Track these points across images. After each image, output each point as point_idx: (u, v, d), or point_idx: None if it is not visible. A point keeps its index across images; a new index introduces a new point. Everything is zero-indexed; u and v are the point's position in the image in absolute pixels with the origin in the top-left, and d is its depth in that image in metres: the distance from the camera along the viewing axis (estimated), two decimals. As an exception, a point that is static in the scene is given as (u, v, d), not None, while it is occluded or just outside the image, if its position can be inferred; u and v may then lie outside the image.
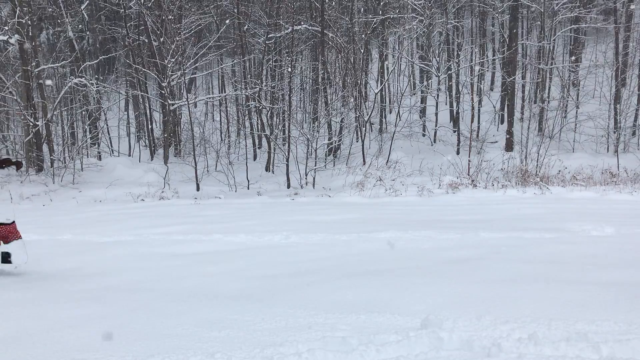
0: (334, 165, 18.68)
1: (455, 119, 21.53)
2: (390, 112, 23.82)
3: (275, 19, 20.49)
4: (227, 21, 23.01)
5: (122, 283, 5.77)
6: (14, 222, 6.32)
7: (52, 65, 20.44)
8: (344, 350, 3.59)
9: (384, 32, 22.47)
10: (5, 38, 18.25)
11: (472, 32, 27.99)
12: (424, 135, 21.94)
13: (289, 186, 16.85)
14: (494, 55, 25.37)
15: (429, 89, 23.24)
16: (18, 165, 6.50)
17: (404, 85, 23.40)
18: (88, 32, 23.78)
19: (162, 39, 19.47)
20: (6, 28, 18.54)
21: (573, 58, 22.36)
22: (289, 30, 19.69)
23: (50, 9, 23.24)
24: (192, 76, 23.76)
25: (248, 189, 16.71)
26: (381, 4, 21.77)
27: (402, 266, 6.02)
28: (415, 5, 21.02)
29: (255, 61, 23.46)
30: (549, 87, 21.13)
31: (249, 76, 22.03)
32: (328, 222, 9.73)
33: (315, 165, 17.64)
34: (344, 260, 6.51)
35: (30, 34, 18.39)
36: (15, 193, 15.75)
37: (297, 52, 23.05)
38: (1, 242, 6.16)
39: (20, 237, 6.28)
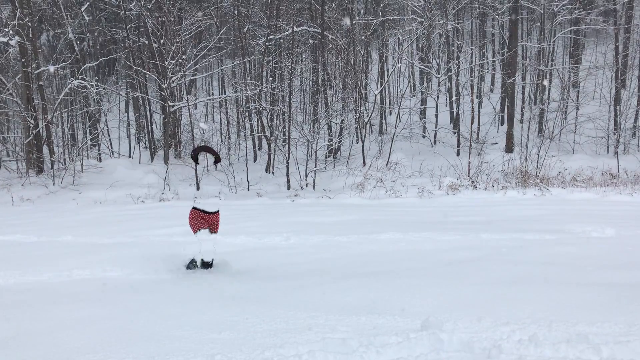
0: (334, 167, 18.68)
1: (455, 121, 21.54)
2: (390, 114, 23.83)
3: (276, 20, 20.50)
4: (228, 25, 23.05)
5: (121, 285, 5.77)
6: (218, 211, 6.27)
7: (52, 66, 20.44)
8: (344, 351, 3.58)
9: (384, 34, 22.48)
10: (5, 40, 18.26)
11: (472, 34, 28.02)
12: (424, 136, 21.95)
13: (289, 187, 16.84)
14: (494, 57, 25.39)
15: (428, 91, 23.25)
16: (217, 159, 6.23)
17: (404, 87, 23.41)
18: (88, 34, 23.79)
19: (162, 41, 19.49)
20: (6, 30, 18.55)
21: (573, 59, 22.39)
22: (289, 31, 19.71)
23: (50, 11, 23.26)
24: (192, 78, 23.75)
25: (248, 190, 16.71)
26: (381, 5, 21.80)
27: (403, 267, 6.02)
28: (415, 7, 21.05)
29: (256, 63, 23.47)
30: (549, 89, 21.14)
31: (249, 78, 22.04)
32: (328, 223, 9.72)
33: (316, 167, 17.64)
34: (344, 261, 6.51)
35: (30, 35, 18.40)
36: (16, 195, 15.75)
37: (297, 54, 23.07)
38: (209, 229, 6.09)
39: (216, 232, 6.23)
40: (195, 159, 6.22)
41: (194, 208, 6.23)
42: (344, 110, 20.43)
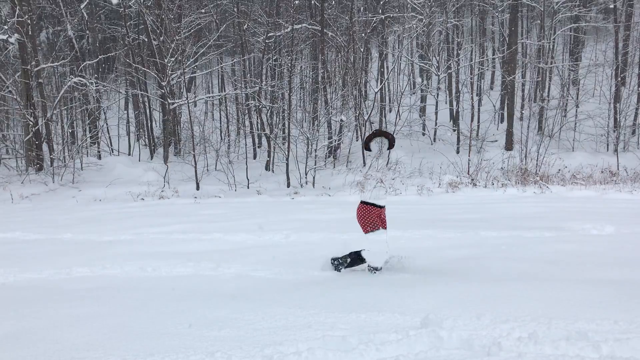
0: (333, 165, 18.68)
1: (455, 118, 21.52)
2: (390, 111, 23.82)
3: (275, 18, 20.47)
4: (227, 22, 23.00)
5: (122, 282, 5.77)
6: (384, 206, 5.50)
7: (51, 64, 20.42)
8: (343, 349, 3.58)
9: (383, 31, 22.46)
10: (5, 37, 18.23)
11: (472, 31, 27.99)
12: (423, 134, 21.94)
13: (288, 185, 16.84)
14: (493, 54, 25.37)
15: (428, 88, 23.23)
16: (392, 143, 5.43)
17: (404, 84, 23.38)
18: (88, 31, 23.75)
19: (161, 38, 19.46)
20: (6, 27, 18.53)
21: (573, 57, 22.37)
22: (289, 29, 19.68)
23: (50, 8, 23.23)
24: (191, 75, 23.75)
25: (248, 188, 16.71)
26: (381, 2, 21.76)
27: (402, 265, 6.01)
28: (415, 4, 21.01)
29: (255, 60, 23.45)
30: (549, 86, 21.13)
31: (248, 75, 22.03)
32: (328, 221, 9.72)
33: (315, 165, 17.64)
34: (344, 259, 6.50)
35: (30, 33, 18.37)
36: (16, 192, 15.75)
37: (297, 51, 23.05)
38: (381, 227, 5.42)
39: (385, 227, 5.47)
40: (367, 147, 5.55)
41: (363, 203, 5.47)
42: (343, 108, 20.41)
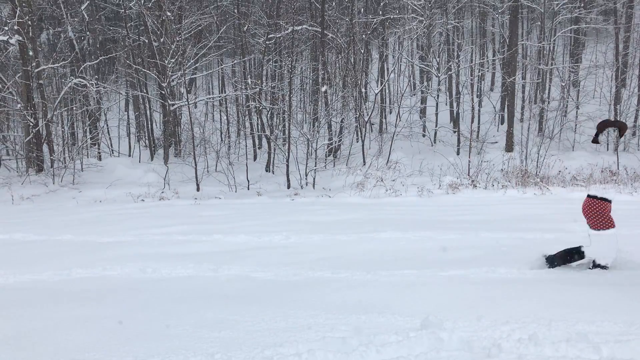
0: (334, 166, 18.67)
1: (455, 120, 21.53)
2: (391, 113, 23.83)
3: (275, 19, 20.49)
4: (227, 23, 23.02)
5: (122, 283, 5.77)
6: (611, 201, 5.25)
7: (52, 65, 20.43)
8: (344, 350, 3.58)
9: (384, 33, 22.48)
10: (5, 38, 18.24)
11: (472, 33, 28.01)
12: (424, 135, 21.94)
13: (289, 186, 16.83)
14: (494, 56, 25.39)
15: (429, 90, 23.25)
16: (622, 129, 5.29)
17: (404, 86, 23.39)
18: (88, 32, 23.77)
19: (162, 40, 19.47)
20: (6, 28, 18.54)
21: (573, 59, 22.37)
22: (289, 30, 19.69)
23: (50, 9, 23.25)
24: (192, 76, 23.76)
25: (248, 189, 16.70)
26: (381, 4, 21.78)
27: (402, 266, 6.02)
28: (415, 6, 21.02)
29: (256, 61, 23.46)
30: (549, 88, 21.13)
31: (249, 76, 22.03)
32: (328, 222, 9.72)
33: (316, 166, 17.63)
34: (344, 260, 6.51)
35: (30, 34, 18.39)
36: (16, 193, 15.75)
37: (297, 53, 23.06)
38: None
39: (613, 226, 5.19)
40: (596, 140, 5.50)
41: (590, 197, 5.29)
42: (344, 109, 20.42)
